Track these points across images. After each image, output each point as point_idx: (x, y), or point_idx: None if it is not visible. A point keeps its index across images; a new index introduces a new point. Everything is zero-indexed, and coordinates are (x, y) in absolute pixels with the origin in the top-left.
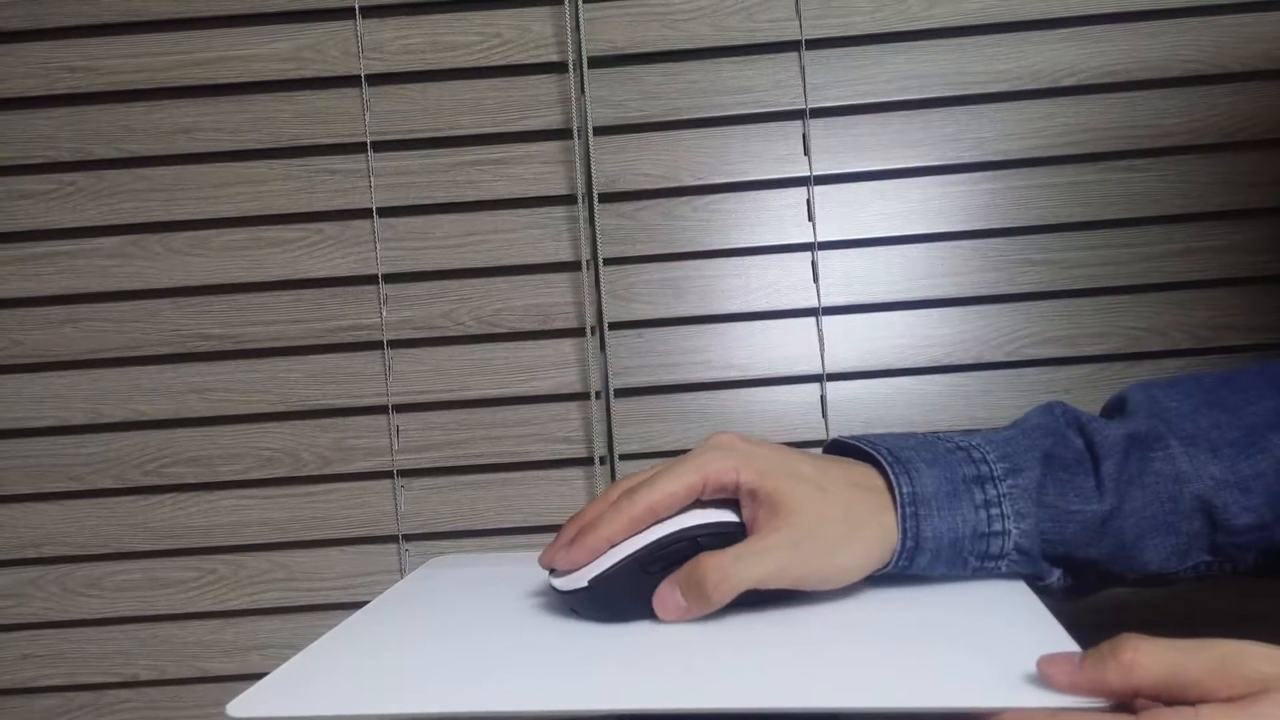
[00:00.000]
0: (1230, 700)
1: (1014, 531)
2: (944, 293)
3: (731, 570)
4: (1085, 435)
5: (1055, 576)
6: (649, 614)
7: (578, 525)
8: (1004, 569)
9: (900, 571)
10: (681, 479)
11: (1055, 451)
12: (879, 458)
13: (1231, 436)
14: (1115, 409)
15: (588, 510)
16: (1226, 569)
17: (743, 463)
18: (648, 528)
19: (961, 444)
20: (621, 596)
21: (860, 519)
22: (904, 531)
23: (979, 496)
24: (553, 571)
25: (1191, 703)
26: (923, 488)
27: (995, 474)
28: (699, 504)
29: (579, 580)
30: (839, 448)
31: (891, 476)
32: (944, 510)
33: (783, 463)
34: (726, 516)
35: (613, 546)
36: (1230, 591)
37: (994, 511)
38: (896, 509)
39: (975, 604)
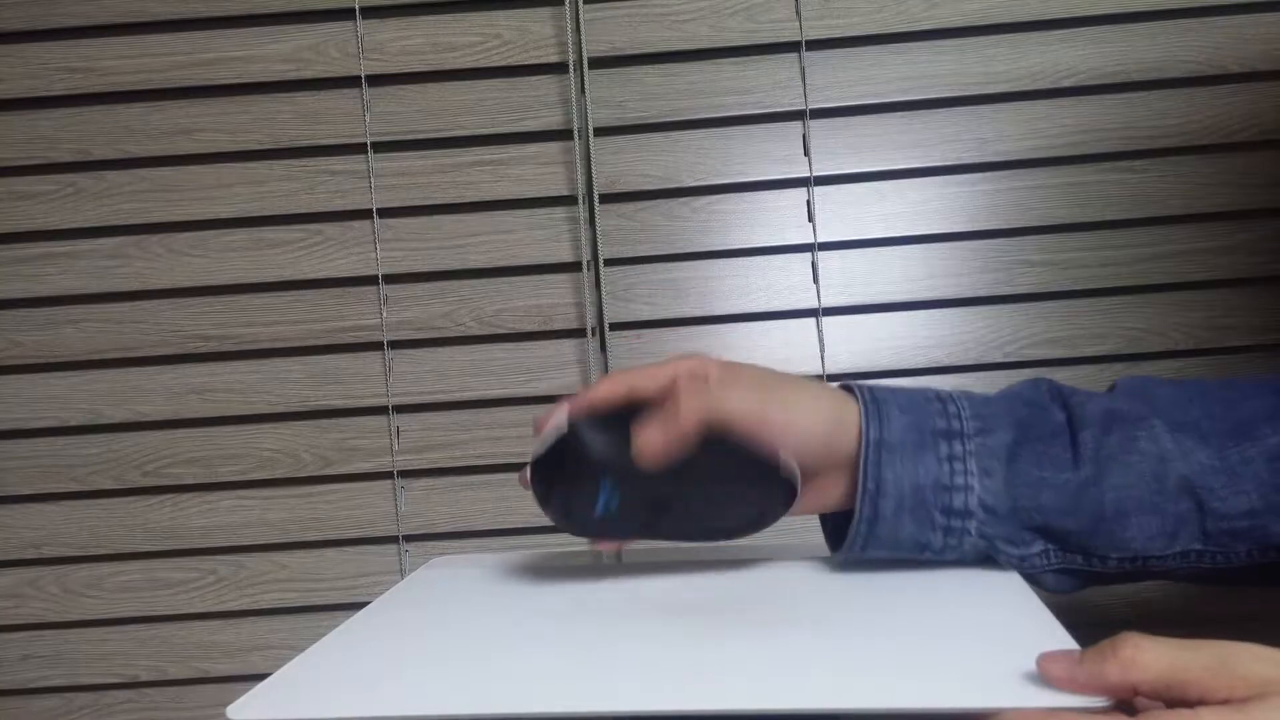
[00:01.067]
0: (1229, 702)
1: (976, 487)
2: (944, 293)
3: (706, 395)
4: (1067, 409)
5: (1038, 549)
6: (624, 465)
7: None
8: (974, 530)
9: (869, 524)
10: (653, 381)
11: (1033, 421)
12: (857, 394)
13: (1221, 427)
14: (1103, 390)
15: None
16: (1220, 561)
17: (712, 408)
18: None
19: (942, 395)
20: (599, 448)
21: (824, 398)
22: (865, 473)
23: (944, 450)
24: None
25: (1190, 703)
26: (890, 434)
27: (965, 430)
28: None
29: (557, 430)
30: None
31: (862, 417)
32: (906, 457)
33: (752, 393)
34: None
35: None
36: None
37: (957, 465)
38: (860, 449)
39: (975, 603)
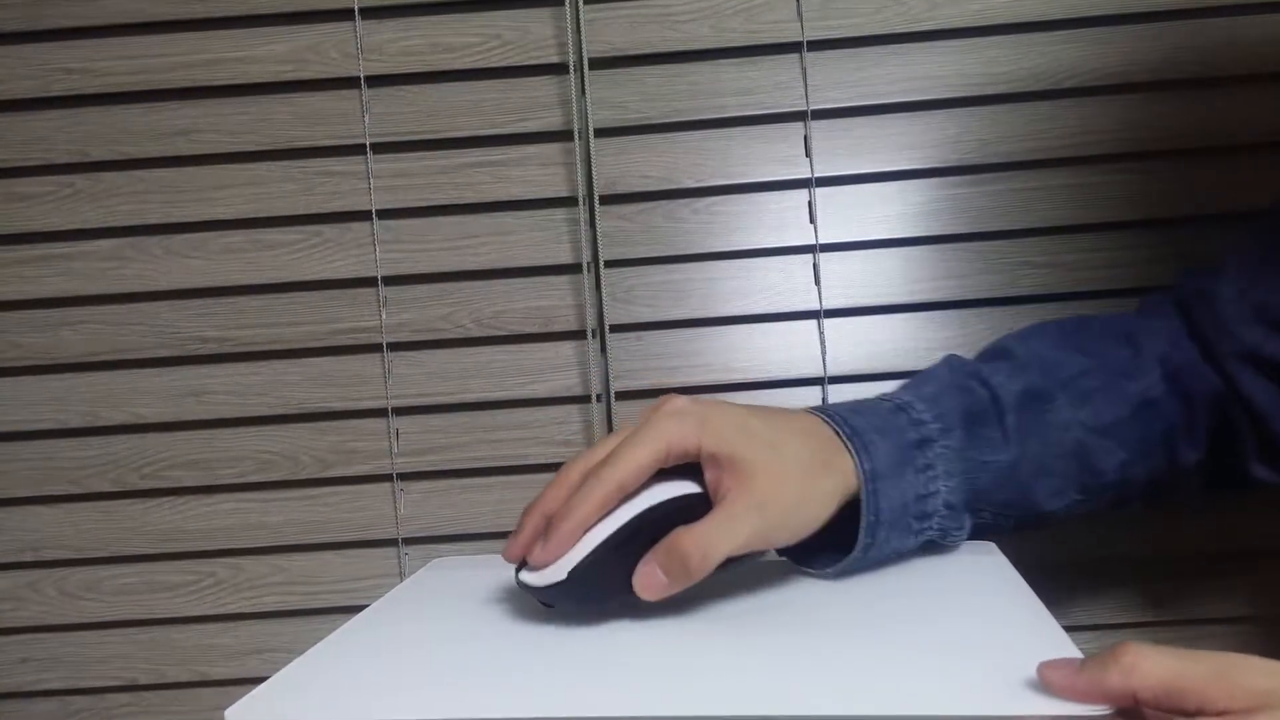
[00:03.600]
0: (1227, 713)
1: (943, 490)
2: (946, 295)
3: (709, 542)
4: (989, 388)
5: (967, 529)
6: (623, 595)
7: (539, 513)
8: (935, 527)
9: (863, 552)
10: (646, 450)
11: (971, 406)
12: (834, 428)
13: (1096, 384)
14: (998, 355)
15: (546, 497)
16: (1088, 508)
17: (700, 428)
18: (617, 507)
19: (900, 403)
20: (600, 583)
21: (816, 469)
22: (867, 507)
23: (920, 460)
24: (521, 567)
25: (1189, 713)
26: (879, 462)
27: (932, 435)
28: (660, 473)
29: (556, 573)
30: None
31: (853, 453)
32: (893, 479)
33: (735, 422)
34: (690, 488)
35: (587, 532)
36: (1223, 592)
37: (930, 474)
38: (860, 483)
39: (977, 608)
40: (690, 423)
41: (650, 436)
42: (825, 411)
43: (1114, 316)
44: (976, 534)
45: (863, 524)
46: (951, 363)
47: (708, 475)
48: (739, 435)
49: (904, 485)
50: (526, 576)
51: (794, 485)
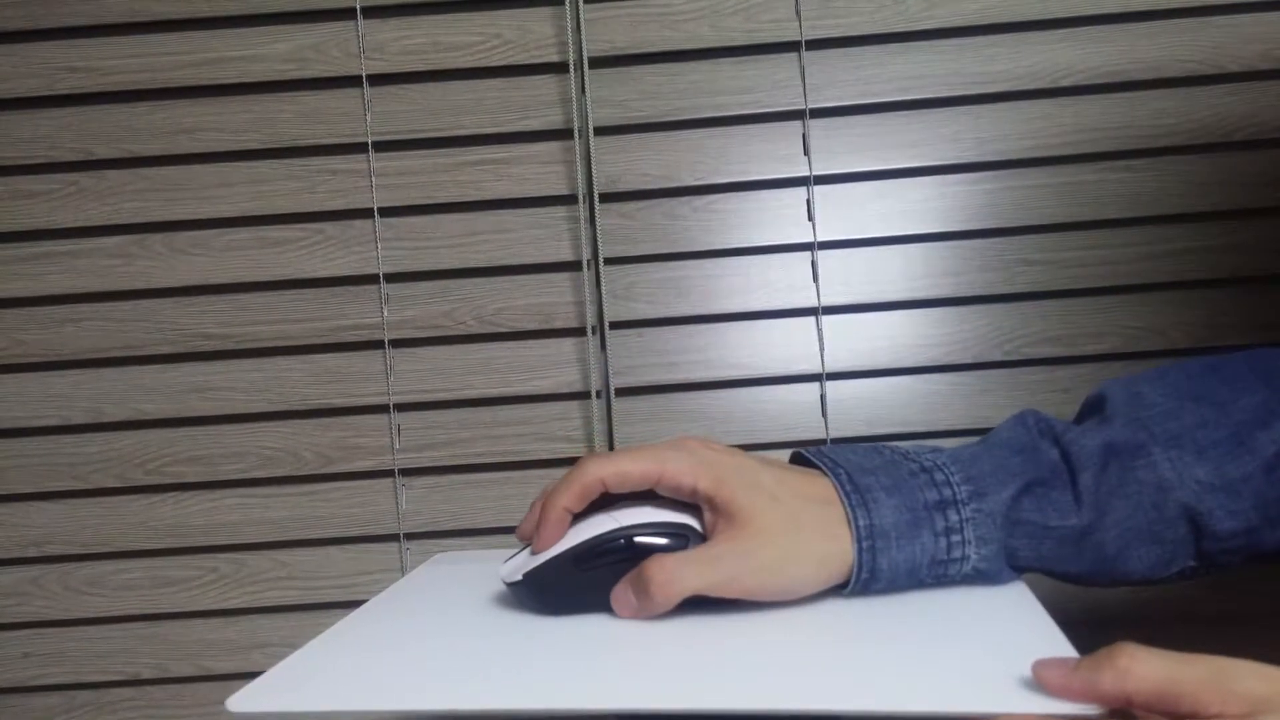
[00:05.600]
0: (1221, 716)
1: (973, 557)
2: (943, 292)
3: (677, 575)
4: (1060, 446)
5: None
6: (584, 609)
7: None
8: (957, 579)
9: (856, 595)
10: (638, 463)
11: (1027, 469)
12: (837, 484)
13: (1217, 436)
14: (1094, 407)
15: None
16: (1212, 572)
17: (702, 469)
18: (595, 516)
19: (926, 464)
20: (556, 590)
21: (814, 535)
22: (860, 564)
23: (940, 524)
24: (509, 559)
25: (1183, 716)
26: (881, 519)
27: (959, 497)
28: (652, 502)
29: (516, 574)
30: (801, 460)
31: (848, 508)
32: (903, 540)
33: (742, 472)
34: (673, 516)
35: (568, 513)
36: (1217, 592)
37: (954, 539)
38: (853, 540)
39: (972, 606)
40: (692, 461)
41: (649, 456)
42: (833, 462)
43: (1256, 353)
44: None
45: (855, 576)
46: (1024, 420)
47: (706, 518)
48: (741, 483)
49: (916, 547)
50: (502, 569)
51: (787, 541)
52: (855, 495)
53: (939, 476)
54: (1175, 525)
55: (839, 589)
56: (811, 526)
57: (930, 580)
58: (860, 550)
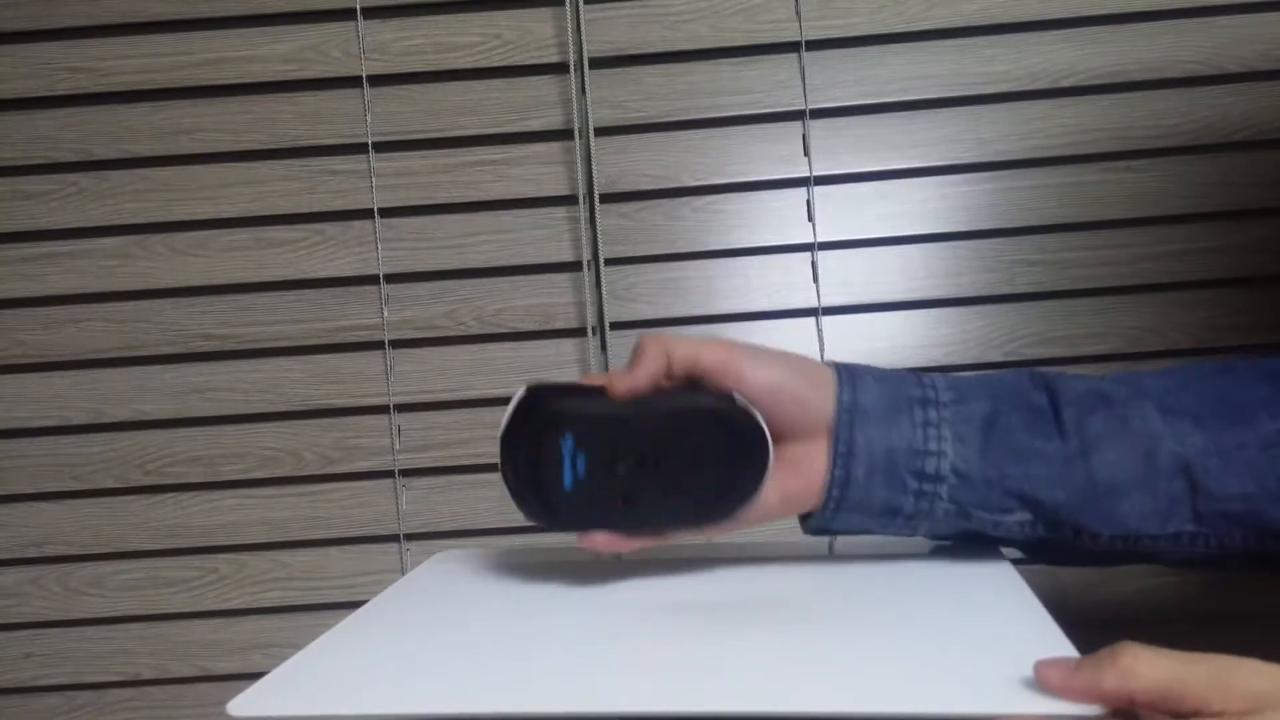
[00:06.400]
0: (1223, 715)
1: (950, 453)
2: (943, 293)
3: (669, 339)
4: (1050, 390)
5: (1017, 517)
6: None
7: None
8: (945, 495)
9: (841, 486)
10: (653, 362)
11: (1012, 396)
12: (833, 366)
13: (1216, 411)
14: (1089, 380)
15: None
16: (1213, 545)
17: (699, 344)
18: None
19: (917, 372)
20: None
21: (806, 379)
22: (837, 437)
23: (919, 416)
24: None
25: (1185, 715)
26: (864, 398)
27: (940, 399)
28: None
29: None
30: None
31: (837, 384)
32: (881, 422)
33: (734, 342)
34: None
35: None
36: (1218, 592)
37: (931, 431)
38: (835, 412)
39: (975, 606)
40: (688, 341)
41: (654, 350)
42: (833, 361)
43: (1264, 360)
44: (1060, 551)
45: (832, 453)
46: (1022, 371)
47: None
48: (736, 345)
49: (894, 431)
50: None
51: (780, 367)
52: (846, 374)
53: (926, 380)
54: (1169, 477)
55: (829, 517)
56: (797, 357)
57: (913, 479)
58: (838, 424)
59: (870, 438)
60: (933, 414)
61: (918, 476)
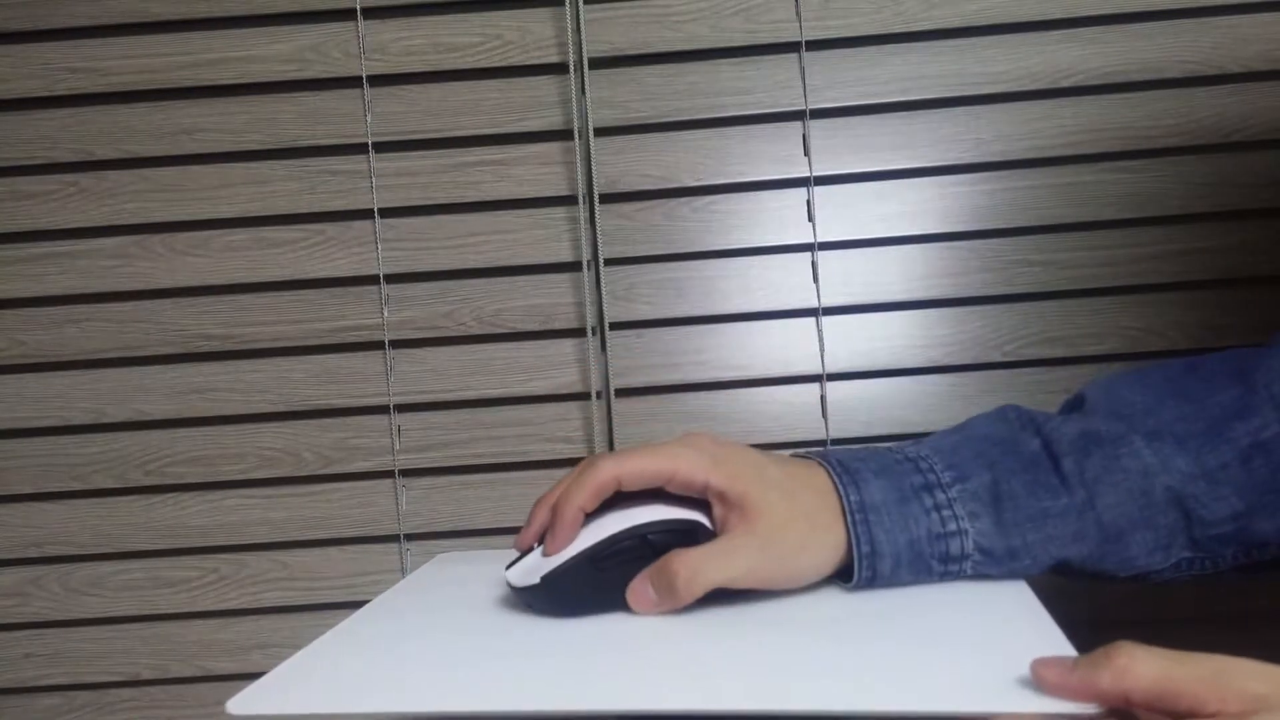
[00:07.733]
0: (1219, 715)
1: (970, 531)
2: (943, 293)
3: (701, 569)
4: (1041, 435)
5: (1041, 574)
6: (600, 609)
7: (547, 505)
8: (970, 570)
9: (867, 583)
10: (652, 460)
11: (1006, 457)
12: (828, 468)
13: (1195, 428)
14: (1072, 407)
15: (556, 488)
16: (1209, 566)
17: (713, 465)
18: (604, 516)
19: (910, 456)
20: (574, 592)
21: (823, 523)
22: (857, 538)
23: (928, 501)
24: (512, 564)
25: (1181, 715)
26: (870, 496)
27: (942, 481)
28: (661, 499)
29: (531, 577)
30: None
31: (839, 486)
32: (894, 515)
33: (751, 466)
34: (693, 515)
35: (583, 513)
36: (1218, 592)
37: (945, 513)
38: (845, 517)
39: (972, 605)
40: (704, 459)
41: (662, 454)
42: (822, 455)
43: (1231, 353)
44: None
45: (856, 554)
46: (1004, 414)
47: (716, 512)
48: (752, 476)
49: (909, 521)
50: (510, 575)
51: (799, 531)
52: (845, 476)
53: (923, 465)
54: (1165, 511)
55: (847, 582)
56: (819, 514)
57: (938, 563)
58: (854, 524)
59: (890, 532)
60: (940, 496)
61: (943, 560)
